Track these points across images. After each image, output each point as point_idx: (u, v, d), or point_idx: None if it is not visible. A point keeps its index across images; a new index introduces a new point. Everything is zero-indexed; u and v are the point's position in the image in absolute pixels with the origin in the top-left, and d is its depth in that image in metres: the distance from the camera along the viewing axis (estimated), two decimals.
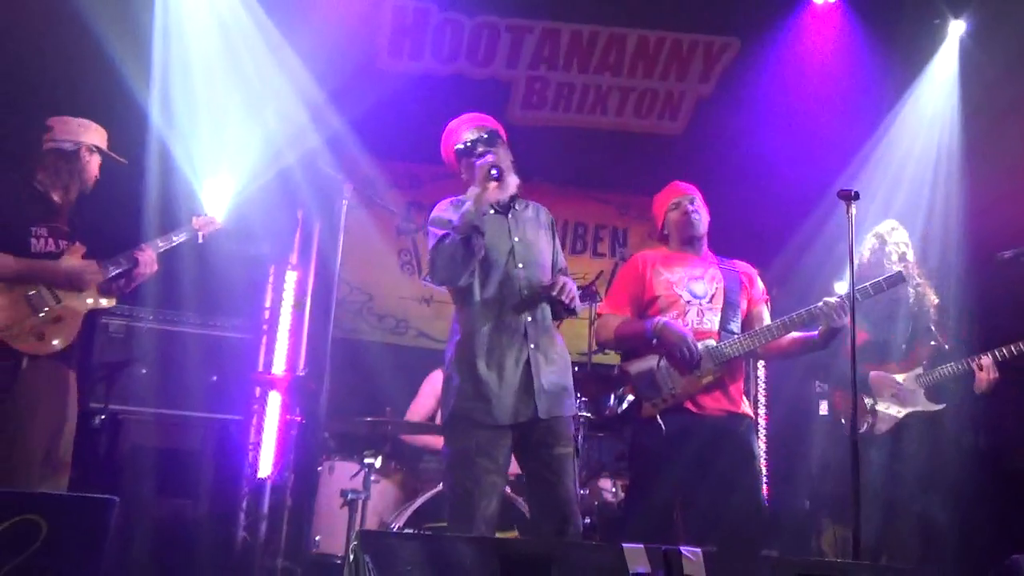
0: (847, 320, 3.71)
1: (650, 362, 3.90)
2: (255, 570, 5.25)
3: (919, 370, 4.63)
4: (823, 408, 5.06)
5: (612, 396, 5.02)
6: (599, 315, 4.21)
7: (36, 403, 3.85)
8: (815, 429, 5.38)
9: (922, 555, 4.46)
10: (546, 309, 3.55)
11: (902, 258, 4.63)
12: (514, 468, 3.65)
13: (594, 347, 5.33)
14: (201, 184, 4.98)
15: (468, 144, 3.61)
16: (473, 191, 3.42)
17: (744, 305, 4.05)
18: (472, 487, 3.32)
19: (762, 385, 6.60)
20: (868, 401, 4.58)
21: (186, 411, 5.18)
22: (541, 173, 6.13)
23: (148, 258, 4.11)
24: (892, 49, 5.81)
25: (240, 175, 5.22)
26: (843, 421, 4.71)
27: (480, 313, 3.46)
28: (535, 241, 3.63)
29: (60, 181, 4.06)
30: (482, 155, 3.52)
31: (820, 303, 3.81)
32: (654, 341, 3.86)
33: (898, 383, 4.62)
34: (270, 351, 5.89)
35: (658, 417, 3.82)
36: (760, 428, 6.38)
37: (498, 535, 3.62)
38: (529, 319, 3.47)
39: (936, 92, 6.00)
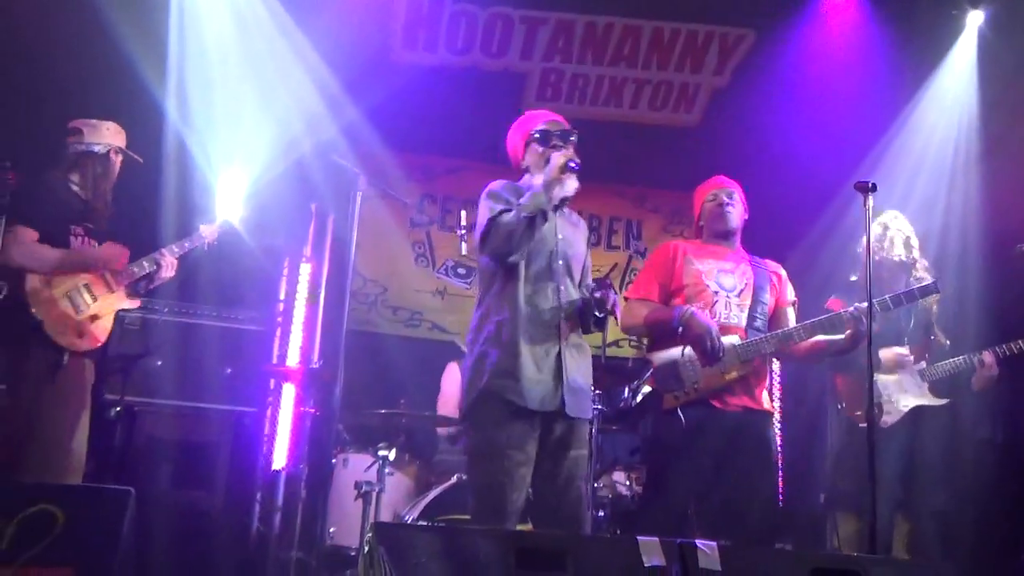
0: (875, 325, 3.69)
1: (674, 353, 3.88)
2: (269, 561, 5.25)
3: (923, 364, 4.62)
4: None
5: (627, 389, 5.01)
6: (626, 298, 4.19)
7: (70, 396, 4.00)
8: (829, 422, 5.35)
9: (938, 550, 4.43)
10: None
11: (906, 243, 4.60)
12: None
13: (608, 340, 5.30)
14: (217, 178, 5.00)
15: (553, 132, 3.60)
16: (544, 177, 3.40)
17: (772, 303, 4.04)
18: (505, 480, 3.29)
19: (776, 378, 6.57)
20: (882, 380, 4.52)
21: (201, 403, 5.20)
22: None
23: (169, 263, 4.30)
24: (909, 40, 5.74)
25: (254, 168, 5.24)
26: (841, 405, 4.71)
27: (523, 296, 3.46)
28: (576, 244, 3.66)
29: (93, 183, 4.24)
30: (561, 147, 3.54)
31: (852, 307, 3.81)
32: (680, 329, 3.84)
33: (909, 359, 4.58)
34: (284, 343, 5.89)
35: (678, 410, 3.81)
36: (775, 422, 6.35)
37: None
38: (563, 315, 3.49)
39: (954, 83, 5.94)
